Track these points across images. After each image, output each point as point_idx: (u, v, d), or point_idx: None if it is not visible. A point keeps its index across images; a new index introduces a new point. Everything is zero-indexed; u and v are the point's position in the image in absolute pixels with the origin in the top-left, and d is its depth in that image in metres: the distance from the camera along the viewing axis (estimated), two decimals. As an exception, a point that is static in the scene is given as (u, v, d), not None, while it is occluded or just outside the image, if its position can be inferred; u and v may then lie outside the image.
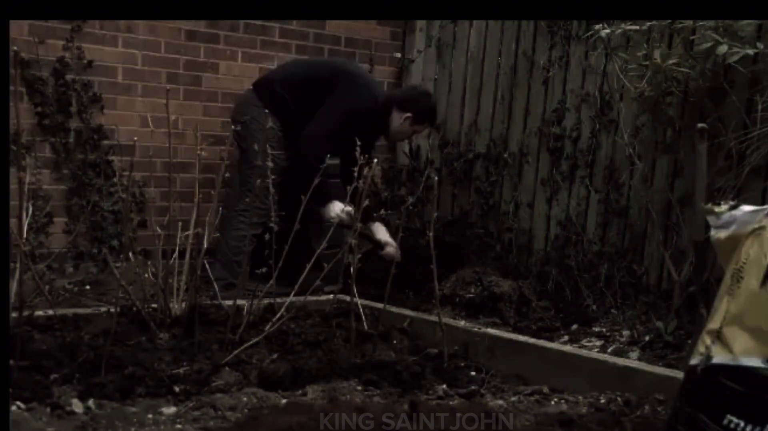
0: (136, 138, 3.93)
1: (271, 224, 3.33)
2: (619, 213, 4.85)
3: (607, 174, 4.89)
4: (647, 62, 4.14)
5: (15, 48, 3.21)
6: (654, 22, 4.20)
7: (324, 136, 4.60)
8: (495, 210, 5.50)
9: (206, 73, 5.28)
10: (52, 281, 4.53)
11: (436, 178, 4.92)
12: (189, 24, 5.17)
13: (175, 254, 3.49)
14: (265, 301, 3.56)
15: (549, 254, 5.15)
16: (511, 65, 5.44)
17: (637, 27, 4.23)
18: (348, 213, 4.09)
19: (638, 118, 4.65)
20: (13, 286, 2.89)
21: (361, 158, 3.35)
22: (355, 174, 3.35)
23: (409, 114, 4.82)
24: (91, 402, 2.67)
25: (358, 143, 3.42)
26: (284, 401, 2.80)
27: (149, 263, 3.59)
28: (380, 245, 4.66)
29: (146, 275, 3.50)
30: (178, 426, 2.57)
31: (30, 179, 4.57)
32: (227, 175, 3.44)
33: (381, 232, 4.72)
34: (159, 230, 3.44)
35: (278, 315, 3.42)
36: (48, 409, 2.60)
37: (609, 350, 4.03)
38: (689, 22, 4.05)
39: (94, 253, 4.92)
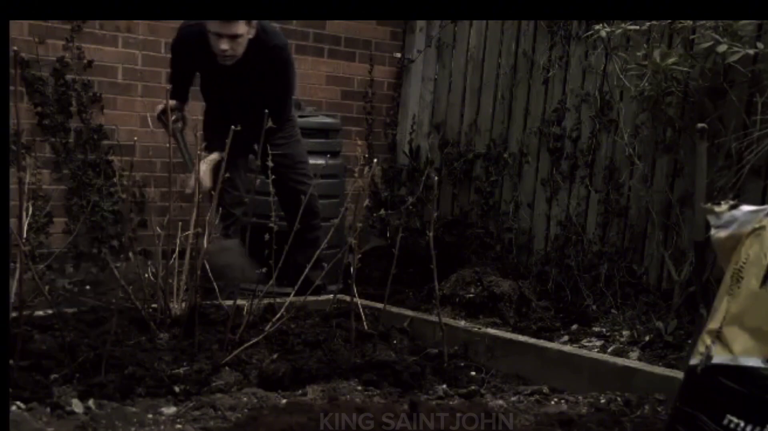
0: (136, 138, 3.93)
1: (271, 224, 3.33)
2: (619, 213, 4.85)
3: (607, 174, 4.89)
4: (647, 62, 4.14)
5: (15, 48, 3.20)
6: (654, 22, 4.20)
7: None
8: (495, 210, 5.49)
9: (206, 73, 5.26)
10: (52, 281, 4.53)
11: (436, 178, 4.92)
12: (189, 24, 5.16)
13: (175, 254, 3.49)
14: (265, 301, 3.56)
15: (549, 254, 5.15)
16: (511, 65, 5.44)
17: (637, 27, 4.24)
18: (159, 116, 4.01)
19: (638, 118, 4.65)
20: (13, 286, 2.88)
21: None
22: None
23: None
24: (91, 402, 2.67)
25: None
26: (284, 401, 2.80)
27: (149, 263, 3.59)
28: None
29: (146, 275, 3.49)
30: (178, 426, 2.57)
31: (30, 179, 4.56)
32: (227, 175, 3.43)
33: (207, 160, 4.09)
34: (159, 230, 3.44)
35: (278, 315, 3.42)
36: (48, 409, 2.60)
37: (609, 350, 4.03)
38: (689, 22, 4.05)
39: (94, 253, 4.92)
